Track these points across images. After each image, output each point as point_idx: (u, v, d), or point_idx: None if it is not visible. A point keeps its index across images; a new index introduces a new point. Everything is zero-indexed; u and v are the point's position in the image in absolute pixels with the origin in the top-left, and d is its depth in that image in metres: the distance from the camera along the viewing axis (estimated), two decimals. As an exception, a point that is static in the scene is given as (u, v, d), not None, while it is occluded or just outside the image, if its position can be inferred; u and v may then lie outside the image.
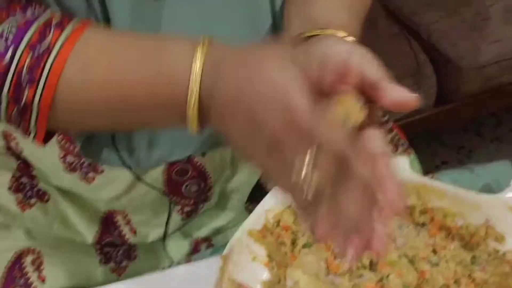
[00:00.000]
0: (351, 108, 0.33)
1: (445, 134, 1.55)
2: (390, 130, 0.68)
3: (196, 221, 0.67)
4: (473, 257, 0.54)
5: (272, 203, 0.54)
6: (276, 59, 0.34)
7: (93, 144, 0.55)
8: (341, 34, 0.40)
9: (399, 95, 0.33)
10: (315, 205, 0.31)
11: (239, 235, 0.54)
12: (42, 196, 0.61)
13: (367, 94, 0.34)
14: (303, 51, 0.36)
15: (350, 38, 0.41)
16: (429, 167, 0.71)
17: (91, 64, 0.40)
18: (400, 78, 1.15)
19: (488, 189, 0.61)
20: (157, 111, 0.40)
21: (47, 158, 0.58)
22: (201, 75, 0.36)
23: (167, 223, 0.63)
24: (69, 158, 0.57)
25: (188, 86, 0.36)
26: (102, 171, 0.57)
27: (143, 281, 0.55)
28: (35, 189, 0.61)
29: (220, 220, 0.67)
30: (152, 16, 0.46)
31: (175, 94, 0.37)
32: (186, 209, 0.63)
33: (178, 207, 0.63)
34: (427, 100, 1.23)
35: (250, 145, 0.35)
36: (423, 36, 1.29)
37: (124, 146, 0.54)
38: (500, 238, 0.55)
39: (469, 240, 0.55)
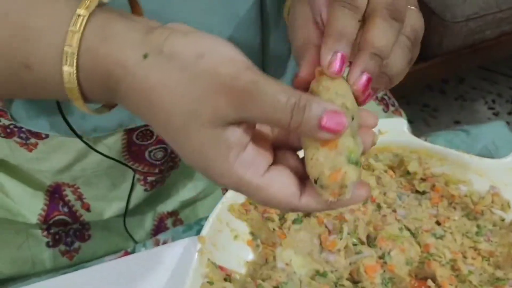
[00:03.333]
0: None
1: (408, 93, 1.51)
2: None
3: (161, 193, 0.58)
4: (477, 227, 0.49)
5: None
6: None
7: (28, 108, 0.44)
8: None
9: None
10: None
11: (218, 212, 0.46)
12: None
13: None
14: None
15: None
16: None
17: None
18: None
19: (487, 152, 0.56)
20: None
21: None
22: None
23: (129, 196, 0.53)
24: (3, 120, 0.46)
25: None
26: (46, 136, 0.46)
27: (102, 268, 0.45)
28: None
29: (188, 192, 0.59)
30: None
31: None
32: (150, 178, 0.54)
33: (141, 177, 0.53)
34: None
35: None
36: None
37: (73, 110, 0.43)
38: (506, 206, 0.50)
39: (472, 209, 0.50)
